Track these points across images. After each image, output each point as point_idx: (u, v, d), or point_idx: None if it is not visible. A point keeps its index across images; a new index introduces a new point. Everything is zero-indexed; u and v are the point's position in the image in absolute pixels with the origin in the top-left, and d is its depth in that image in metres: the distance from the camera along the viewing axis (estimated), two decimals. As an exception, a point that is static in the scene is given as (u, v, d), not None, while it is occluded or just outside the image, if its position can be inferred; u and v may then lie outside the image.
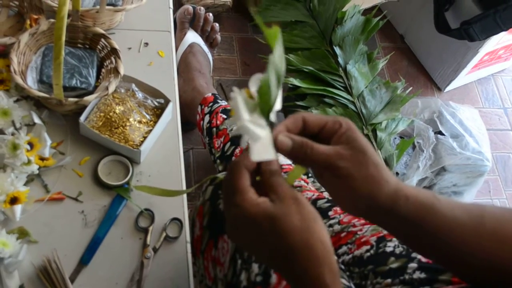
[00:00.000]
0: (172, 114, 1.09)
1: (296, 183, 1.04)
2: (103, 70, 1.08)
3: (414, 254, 0.84)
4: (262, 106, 0.61)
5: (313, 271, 0.58)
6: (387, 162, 1.48)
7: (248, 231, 0.61)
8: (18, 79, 0.95)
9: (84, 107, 1.00)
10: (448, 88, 2.08)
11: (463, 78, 2.06)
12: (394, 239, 0.88)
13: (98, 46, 1.09)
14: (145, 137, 1.02)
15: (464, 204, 0.67)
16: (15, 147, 0.92)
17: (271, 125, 0.63)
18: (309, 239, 0.58)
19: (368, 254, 0.88)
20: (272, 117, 0.63)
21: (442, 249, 0.65)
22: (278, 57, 0.60)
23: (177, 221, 0.98)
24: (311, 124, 0.66)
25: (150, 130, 1.03)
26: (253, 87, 0.61)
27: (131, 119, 1.02)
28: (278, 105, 0.63)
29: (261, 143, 0.61)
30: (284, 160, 0.89)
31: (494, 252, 0.64)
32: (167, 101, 1.07)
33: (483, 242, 0.64)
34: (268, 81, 0.59)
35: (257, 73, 0.60)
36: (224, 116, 1.33)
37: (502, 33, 1.78)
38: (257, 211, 0.59)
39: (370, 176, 0.63)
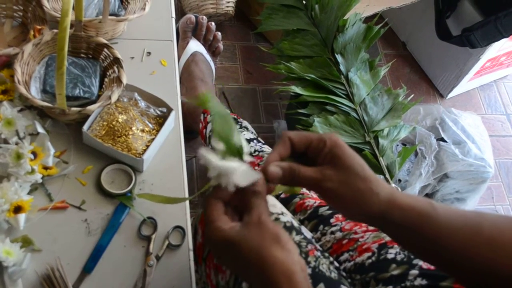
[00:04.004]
0: (174, 122, 1.09)
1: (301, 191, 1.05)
2: (106, 79, 1.09)
3: (415, 261, 0.85)
4: (230, 151, 0.67)
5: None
6: (389, 169, 1.48)
7: (214, 252, 0.68)
8: (22, 89, 0.96)
9: (87, 116, 1.01)
10: (450, 95, 2.09)
11: (465, 84, 2.06)
12: (396, 245, 0.89)
13: (101, 56, 1.10)
14: (147, 146, 1.02)
15: (462, 212, 0.68)
16: (19, 156, 0.93)
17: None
18: (263, 261, 0.61)
19: (370, 261, 0.88)
20: (246, 158, 0.68)
21: (441, 255, 0.66)
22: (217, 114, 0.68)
23: (179, 229, 0.99)
24: (297, 144, 0.69)
25: (153, 139, 1.03)
26: (216, 144, 0.67)
27: (133, 128, 1.03)
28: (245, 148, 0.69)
29: (240, 173, 0.66)
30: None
31: (492, 258, 0.64)
32: (170, 110, 1.07)
33: (481, 248, 0.64)
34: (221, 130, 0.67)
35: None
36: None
37: (504, 40, 1.78)
38: (218, 238, 0.64)
39: (357, 192, 0.65)
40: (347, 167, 0.66)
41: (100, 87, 1.08)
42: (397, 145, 1.74)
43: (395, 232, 0.68)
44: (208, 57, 1.63)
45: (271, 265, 0.61)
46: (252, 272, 0.62)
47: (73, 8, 0.99)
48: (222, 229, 0.64)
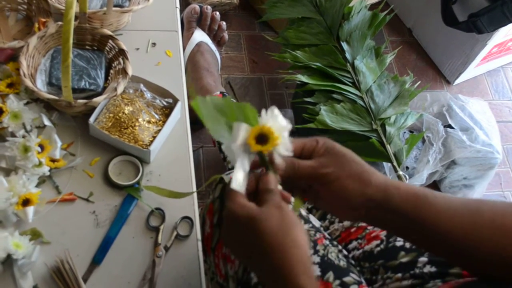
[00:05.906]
0: (180, 113, 1.09)
1: None
2: (111, 71, 1.09)
3: (424, 248, 0.85)
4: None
5: (287, 272, 0.61)
6: (397, 156, 1.48)
7: (232, 230, 0.66)
8: (28, 82, 0.96)
9: (93, 108, 1.01)
10: (457, 81, 2.08)
11: (472, 70, 2.05)
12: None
13: (106, 48, 1.09)
14: (154, 137, 1.02)
15: (460, 198, 0.69)
16: (26, 149, 0.93)
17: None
18: (284, 241, 0.62)
19: (378, 248, 0.88)
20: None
21: (440, 241, 0.66)
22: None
23: (187, 219, 0.99)
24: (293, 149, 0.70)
25: (159, 130, 1.03)
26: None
27: (140, 119, 1.03)
28: None
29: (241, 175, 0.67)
30: None
31: (495, 240, 0.64)
32: (176, 101, 1.07)
33: (483, 232, 0.64)
34: None
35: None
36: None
37: (511, 25, 1.76)
38: (241, 212, 0.64)
39: (355, 172, 0.68)
40: (341, 154, 0.69)
41: (106, 79, 1.08)
42: (404, 132, 1.73)
43: (392, 218, 0.67)
44: (213, 47, 1.63)
45: (297, 243, 0.62)
46: (264, 250, 0.62)
47: (77, 0, 0.99)
48: (244, 204, 0.64)
